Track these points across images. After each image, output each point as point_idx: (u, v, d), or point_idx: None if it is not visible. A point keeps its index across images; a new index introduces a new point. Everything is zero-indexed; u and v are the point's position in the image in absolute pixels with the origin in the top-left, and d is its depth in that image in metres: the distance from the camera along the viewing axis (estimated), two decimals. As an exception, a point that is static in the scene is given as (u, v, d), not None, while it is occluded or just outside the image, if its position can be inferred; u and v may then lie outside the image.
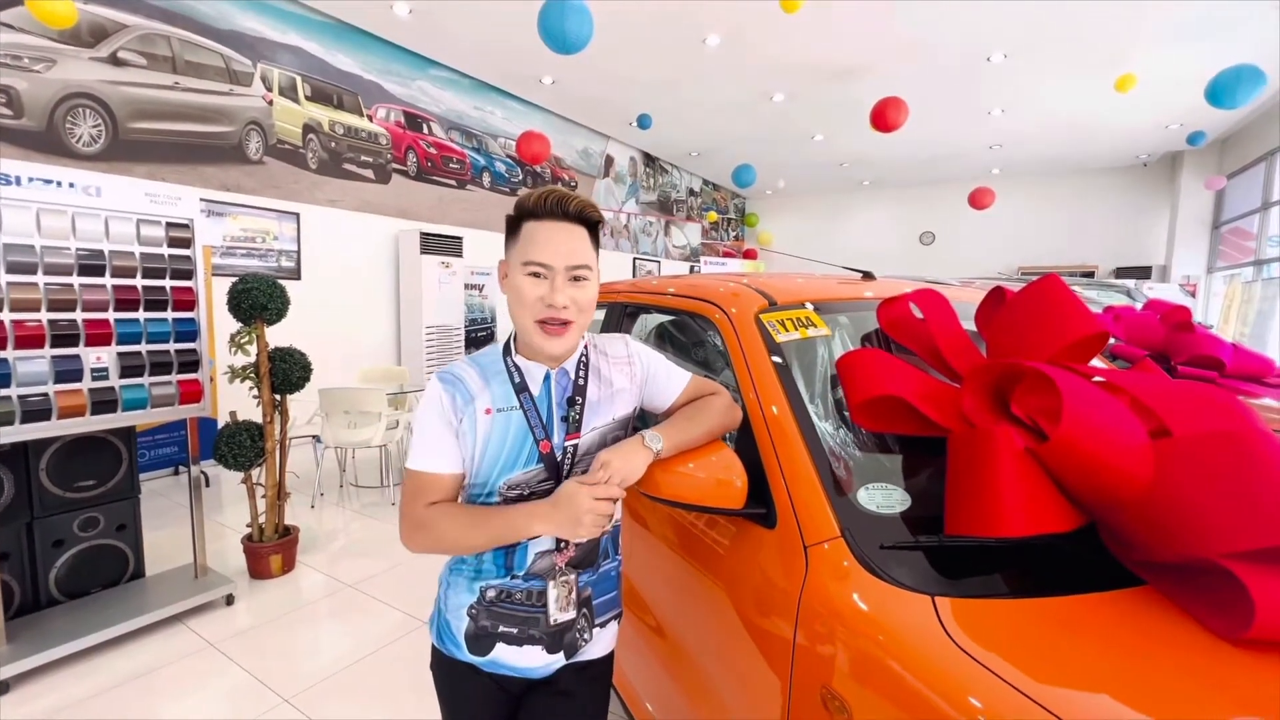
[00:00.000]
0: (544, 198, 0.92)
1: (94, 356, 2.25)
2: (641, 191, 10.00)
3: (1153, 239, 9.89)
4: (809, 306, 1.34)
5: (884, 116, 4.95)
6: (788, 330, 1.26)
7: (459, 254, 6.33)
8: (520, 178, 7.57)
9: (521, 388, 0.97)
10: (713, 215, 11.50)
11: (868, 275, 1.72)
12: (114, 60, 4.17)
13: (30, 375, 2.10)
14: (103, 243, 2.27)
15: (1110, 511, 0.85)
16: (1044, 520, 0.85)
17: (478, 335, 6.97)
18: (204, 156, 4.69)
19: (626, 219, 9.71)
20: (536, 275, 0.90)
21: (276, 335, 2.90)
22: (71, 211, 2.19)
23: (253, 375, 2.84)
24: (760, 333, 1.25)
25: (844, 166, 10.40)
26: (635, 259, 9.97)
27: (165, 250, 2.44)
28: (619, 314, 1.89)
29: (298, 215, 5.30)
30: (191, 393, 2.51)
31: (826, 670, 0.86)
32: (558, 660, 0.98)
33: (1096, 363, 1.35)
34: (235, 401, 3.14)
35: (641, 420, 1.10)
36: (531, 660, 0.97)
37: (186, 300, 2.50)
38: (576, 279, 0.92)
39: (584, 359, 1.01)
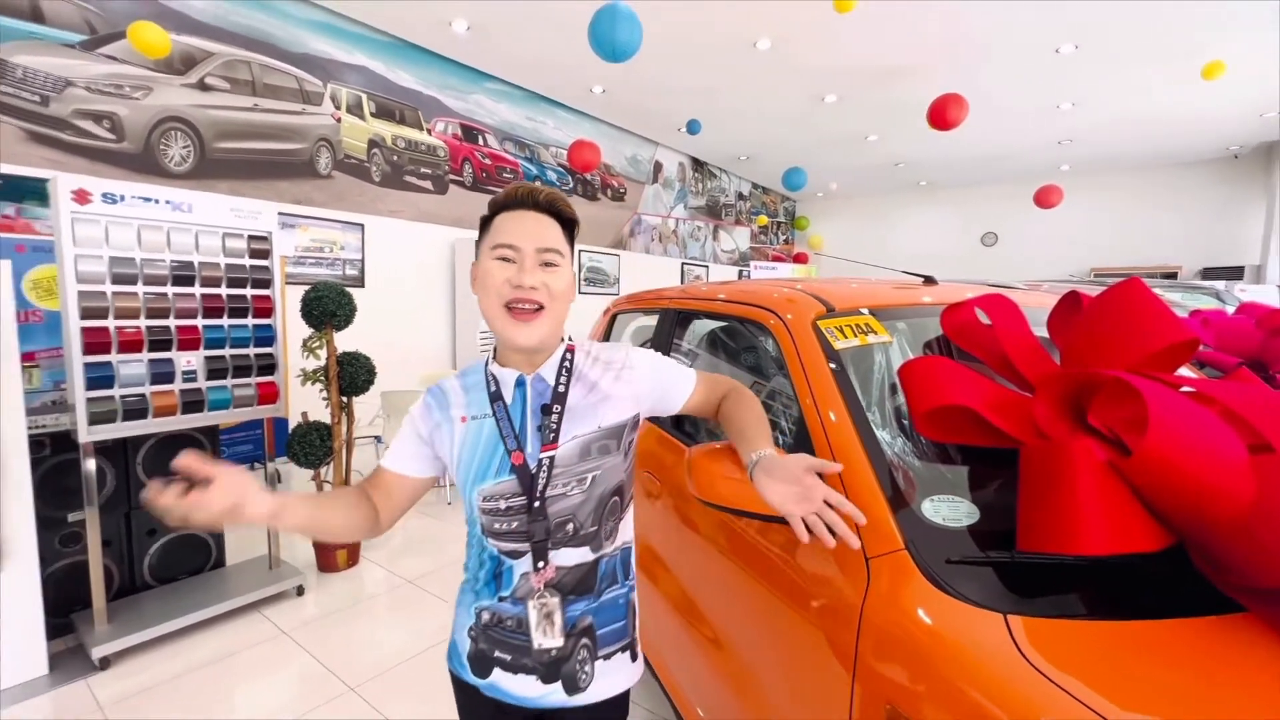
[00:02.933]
0: (514, 190, 0.91)
1: (184, 360, 2.43)
2: (690, 196, 10.00)
3: (1245, 237, 9.14)
4: (869, 313, 1.31)
5: (943, 114, 4.79)
6: (846, 337, 1.24)
7: (512, 261, 6.49)
8: (571, 185, 7.71)
9: (496, 396, 0.92)
10: (762, 219, 11.37)
11: (929, 280, 1.66)
12: (201, 86, 4.50)
13: (130, 377, 2.29)
14: (193, 255, 2.46)
15: (1204, 531, 0.80)
16: (1128, 539, 0.80)
17: (529, 340, 7.12)
18: (279, 172, 4.99)
19: (675, 224, 9.72)
20: (505, 259, 0.87)
21: (343, 340, 3.06)
22: (167, 227, 2.38)
23: (322, 378, 3.00)
24: (818, 339, 1.23)
25: (899, 167, 10.09)
26: (683, 264, 9.97)
27: (247, 261, 2.61)
28: (671, 320, 1.90)
29: (362, 226, 5.56)
30: (269, 394, 2.68)
31: (891, 685, 0.84)
32: (555, 692, 0.91)
33: (1185, 372, 1.27)
34: (305, 403, 3.32)
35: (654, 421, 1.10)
36: (527, 690, 0.91)
37: (265, 307, 2.67)
38: (547, 264, 0.88)
39: (566, 364, 0.95)
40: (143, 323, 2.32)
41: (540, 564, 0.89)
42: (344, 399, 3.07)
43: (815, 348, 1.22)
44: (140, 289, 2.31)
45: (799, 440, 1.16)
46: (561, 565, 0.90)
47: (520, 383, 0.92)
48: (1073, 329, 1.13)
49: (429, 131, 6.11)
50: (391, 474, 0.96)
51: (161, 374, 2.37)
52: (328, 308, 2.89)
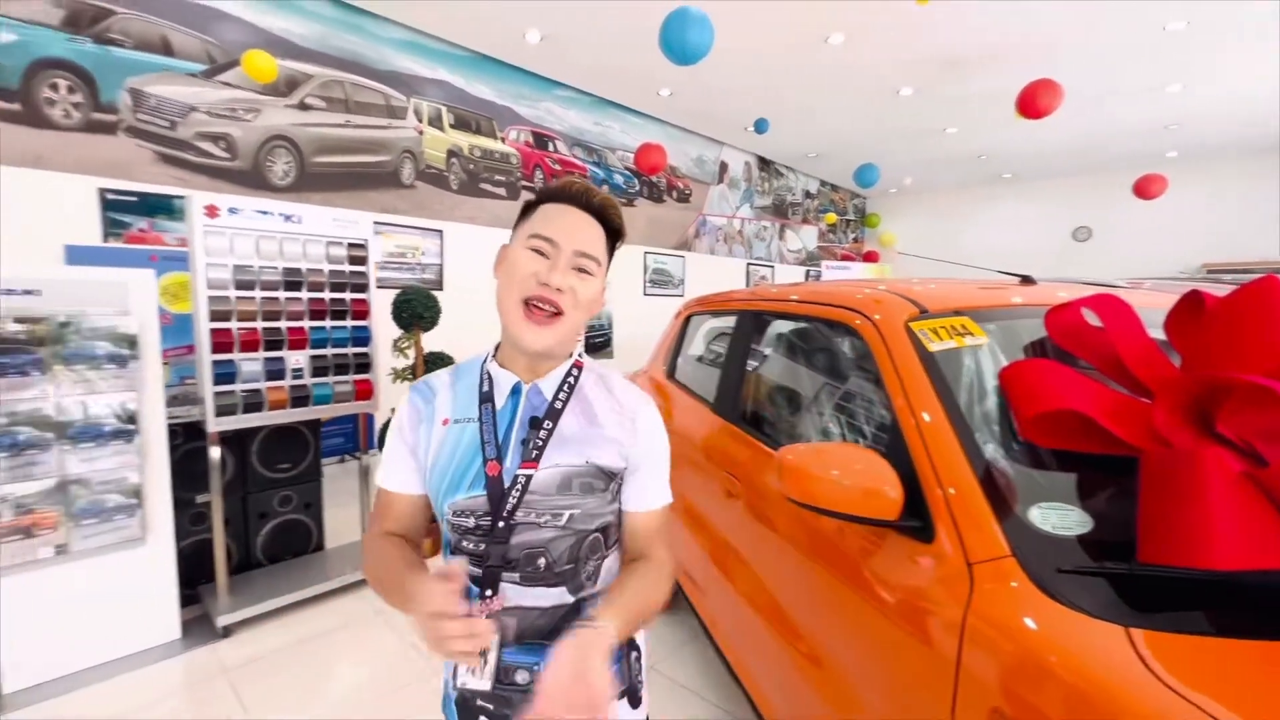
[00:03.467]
0: (569, 184, 0.84)
1: (293, 359, 2.65)
2: (756, 196, 9.88)
3: (1390, 227, 8.08)
4: (964, 314, 1.28)
5: (1033, 102, 4.52)
6: (941, 339, 1.21)
7: (580, 264, 6.64)
8: (637, 188, 7.80)
9: (486, 398, 0.84)
10: (831, 217, 11.07)
11: (1026, 280, 1.59)
12: (302, 106, 4.88)
13: (248, 374, 2.52)
14: (301, 262, 2.68)
15: (1358, 550, 0.74)
16: (1266, 554, 0.75)
17: (595, 340, 7.26)
18: (367, 183, 5.33)
19: (740, 224, 9.63)
20: (538, 252, 0.80)
21: (428, 341, 3.24)
22: (279, 237, 2.61)
23: (409, 376, 3.19)
24: (911, 341, 1.21)
25: (981, 159, 9.58)
26: (749, 264, 9.86)
27: (346, 267, 2.82)
28: (749, 324, 1.91)
29: (441, 232, 5.85)
30: (364, 391, 2.88)
31: (999, 695, 0.82)
32: None
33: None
34: (394, 399, 3.53)
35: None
36: None
37: (361, 310, 2.87)
38: (581, 270, 0.81)
39: (569, 380, 0.87)
40: (259, 324, 2.55)
41: (489, 592, 0.78)
42: (429, 396, 3.24)
43: (908, 350, 1.20)
44: (257, 294, 2.54)
45: (891, 444, 1.15)
46: (535, 605, 0.79)
47: (516, 390, 0.84)
48: (1197, 330, 1.06)
49: (503, 140, 6.35)
50: (405, 498, 0.86)
51: (274, 371, 2.59)
52: (416, 310, 3.07)
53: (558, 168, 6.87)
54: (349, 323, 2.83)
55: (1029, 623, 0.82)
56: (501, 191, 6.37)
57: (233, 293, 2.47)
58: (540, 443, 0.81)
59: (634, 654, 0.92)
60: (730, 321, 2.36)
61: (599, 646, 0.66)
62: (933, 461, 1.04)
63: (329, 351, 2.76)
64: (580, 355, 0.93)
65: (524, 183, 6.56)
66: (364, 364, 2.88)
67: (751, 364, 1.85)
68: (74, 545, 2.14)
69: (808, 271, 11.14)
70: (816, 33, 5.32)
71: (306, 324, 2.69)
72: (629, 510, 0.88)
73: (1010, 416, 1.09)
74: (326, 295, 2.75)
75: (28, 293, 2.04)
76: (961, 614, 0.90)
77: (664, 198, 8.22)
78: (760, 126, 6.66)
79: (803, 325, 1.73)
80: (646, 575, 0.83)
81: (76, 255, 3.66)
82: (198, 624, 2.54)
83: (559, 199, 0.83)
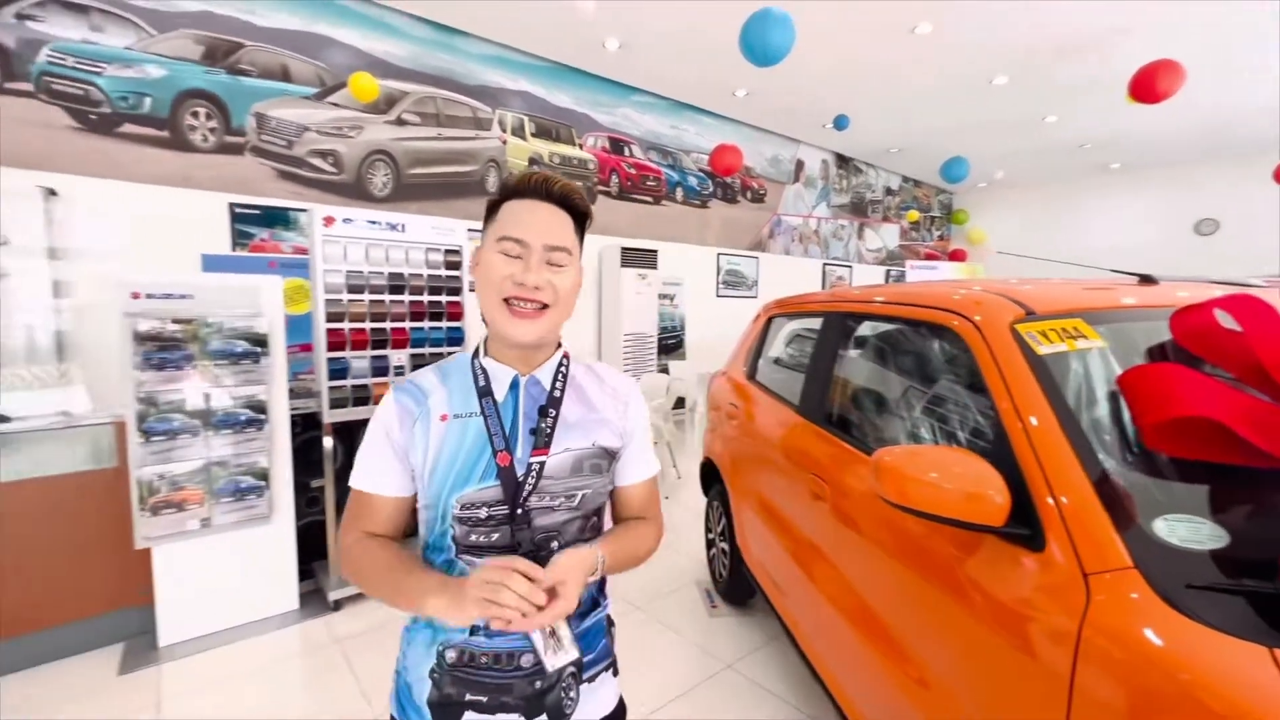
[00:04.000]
0: (528, 177, 0.83)
1: (396, 357, 2.87)
2: (833, 194, 9.61)
3: None
4: (1077, 316, 1.22)
5: (1151, 85, 4.15)
6: (1051, 342, 1.17)
7: (654, 266, 6.71)
8: (711, 190, 7.79)
9: (485, 392, 0.85)
10: (913, 214, 10.58)
11: (1146, 279, 1.49)
12: (399, 121, 5.24)
13: (358, 370, 2.75)
14: (404, 267, 2.89)
15: None
16: None
17: (668, 342, 7.31)
18: (456, 192, 5.64)
19: (817, 224, 9.40)
20: (510, 254, 0.80)
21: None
22: (385, 244, 2.83)
23: (498, 375, 3.36)
24: (1018, 344, 1.17)
25: (1084, 149, 8.86)
26: (825, 264, 9.60)
27: (443, 271, 3.01)
28: (838, 326, 1.89)
29: (522, 237, 6.10)
30: (457, 388, 3.06)
31: (1123, 713, 0.79)
32: None
33: None
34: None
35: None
36: None
37: (456, 312, 3.06)
38: (553, 263, 0.81)
39: (562, 370, 0.90)
40: (367, 325, 2.77)
41: None
42: (515, 394, 3.40)
43: (1015, 353, 1.16)
44: (366, 297, 2.77)
45: (996, 451, 1.12)
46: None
47: (514, 383, 0.86)
48: (1356, 334, 0.97)
49: (580, 146, 6.53)
50: (386, 500, 0.85)
51: (379, 368, 2.81)
52: (504, 312, 3.23)
53: (633, 171, 6.98)
54: (444, 324, 3.02)
55: (1153, 637, 0.78)
56: (579, 196, 6.56)
57: (345, 296, 2.70)
58: (549, 430, 0.84)
59: (612, 629, 0.97)
60: (813, 323, 2.34)
61: (583, 561, 0.77)
62: (1043, 468, 1.00)
63: (426, 350, 2.96)
64: (564, 346, 0.95)
65: (600, 187, 6.72)
66: (457, 362, 3.07)
67: (839, 366, 1.83)
68: (215, 520, 2.42)
69: (888, 271, 10.71)
70: (903, 24, 5.13)
71: (408, 325, 2.89)
72: (624, 483, 0.94)
73: (1130, 424, 1.03)
74: (425, 298, 2.96)
75: (183, 297, 2.33)
76: (1076, 625, 0.87)
77: (738, 198, 8.17)
78: (840, 123, 6.48)
79: (894, 327, 1.70)
80: (639, 529, 0.92)
81: (211, 263, 4.09)
82: (312, 597, 2.80)
83: (521, 194, 0.83)
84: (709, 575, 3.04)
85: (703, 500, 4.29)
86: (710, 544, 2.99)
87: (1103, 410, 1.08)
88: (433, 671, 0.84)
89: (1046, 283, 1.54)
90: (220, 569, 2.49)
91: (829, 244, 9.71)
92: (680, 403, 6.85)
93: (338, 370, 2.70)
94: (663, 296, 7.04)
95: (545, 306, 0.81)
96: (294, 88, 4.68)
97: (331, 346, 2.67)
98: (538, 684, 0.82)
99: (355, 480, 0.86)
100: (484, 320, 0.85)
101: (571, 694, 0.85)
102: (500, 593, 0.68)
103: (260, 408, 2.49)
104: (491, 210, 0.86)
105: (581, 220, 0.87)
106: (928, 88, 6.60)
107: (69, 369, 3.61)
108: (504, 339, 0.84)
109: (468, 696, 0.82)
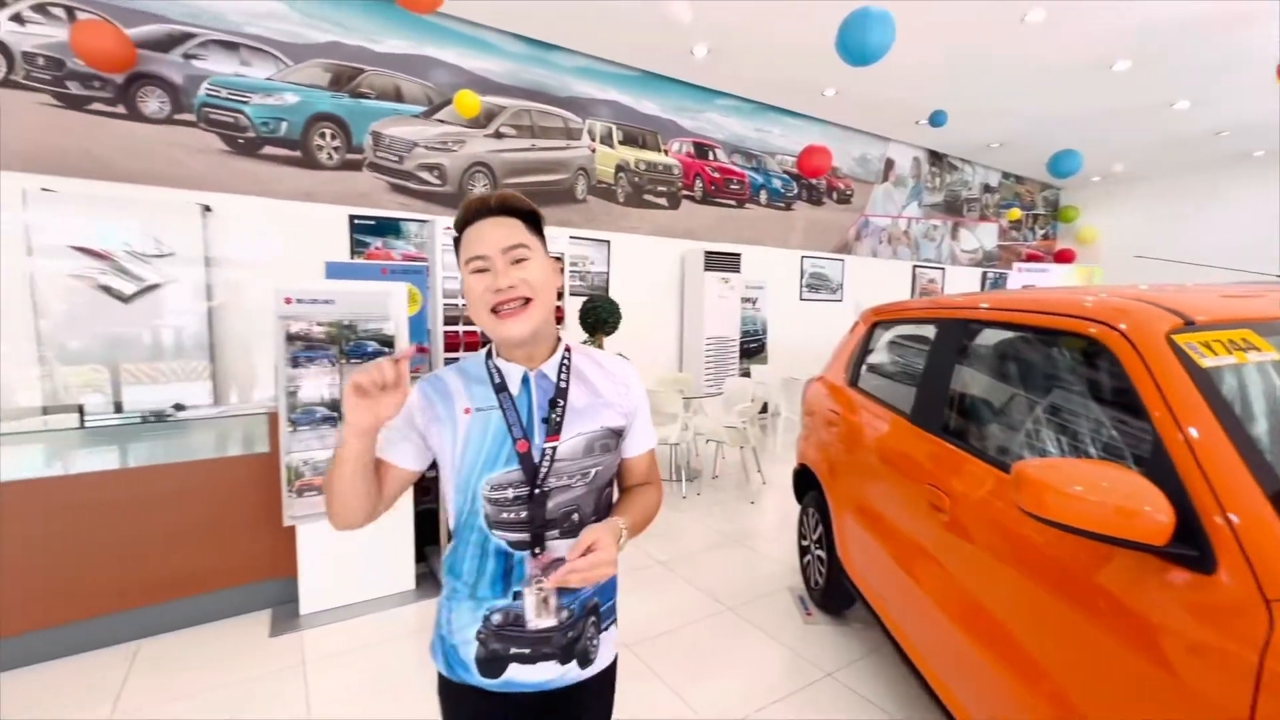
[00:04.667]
0: (468, 204, 0.94)
1: (503, 358, 3.05)
2: (925, 193, 9.18)
3: None
4: (1248, 326, 1.14)
5: (1309, 66, 3.70)
6: (1216, 353, 1.10)
7: (737, 269, 6.69)
8: (795, 192, 7.66)
9: (500, 388, 0.95)
10: (1015, 213, 9.91)
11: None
12: (497, 134, 5.53)
13: (470, 370, 2.95)
14: (511, 274, 3.07)
15: None
16: None
17: (750, 345, 7.26)
18: (547, 200, 5.88)
19: (907, 224, 9.02)
20: (481, 270, 0.90)
21: (609, 344, 3.51)
22: (496, 252, 3.01)
23: (593, 376, 3.49)
24: (1176, 356, 1.11)
25: (1222, 136, 7.98)
26: (915, 267, 9.19)
27: (546, 277, 3.17)
28: (957, 334, 1.83)
29: (608, 242, 6.26)
30: (557, 388, 3.21)
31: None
32: (572, 669, 0.96)
33: None
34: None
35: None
36: (546, 674, 0.95)
37: (558, 316, 3.20)
38: (517, 261, 0.90)
39: (566, 362, 1.00)
40: (479, 328, 2.97)
41: (537, 549, 0.93)
42: (608, 395, 3.52)
43: (1173, 365, 1.10)
44: (478, 301, 2.96)
45: (1155, 468, 1.07)
46: (555, 556, 0.93)
47: (525, 379, 0.96)
48: None
49: (665, 152, 6.62)
50: (386, 463, 0.95)
51: (488, 368, 3.00)
52: (601, 316, 3.36)
53: (717, 175, 7.00)
54: (546, 327, 3.18)
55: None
56: (663, 202, 6.65)
57: (460, 300, 2.90)
58: (558, 419, 0.95)
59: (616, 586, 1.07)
60: (919, 330, 2.28)
61: (611, 530, 0.88)
62: (1212, 486, 0.95)
63: (530, 352, 3.13)
64: (564, 341, 1.04)
65: (684, 192, 6.78)
66: (557, 364, 3.22)
67: (959, 374, 1.78)
68: (348, 503, 2.67)
69: (985, 273, 10.10)
70: (1012, 11, 4.85)
71: (514, 328, 3.07)
72: (629, 455, 1.06)
73: (1315, 443, 0.96)
74: (529, 302, 3.12)
75: (326, 302, 2.59)
76: (1257, 656, 0.82)
77: (823, 200, 7.98)
78: (937, 119, 6.20)
79: (1021, 334, 1.63)
80: (647, 495, 1.05)
81: (333, 270, 4.48)
82: (426, 579, 3.02)
83: (469, 221, 0.94)
84: (802, 582, 3.01)
85: (789, 505, 4.26)
86: (804, 551, 2.97)
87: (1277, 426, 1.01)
88: (479, 633, 0.94)
89: (1199, 288, 1.43)
90: (350, 549, 2.74)
91: (920, 245, 9.28)
92: (764, 408, 6.78)
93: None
94: (745, 300, 7.01)
95: (528, 301, 0.90)
96: (405, 107, 5.05)
97: (448, 347, 2.88)
98: (569, 634, 0.95)
99: (375, 450, 0.94)
100: (482, 332, 0.97)
101: (594, 642, 0.99)
102: (372, 377, 0.81)
103: (387, 403, 2.72)
104: (456, 244, 0.97)
105: (530, 218, 0.96)
106: (1037, 78, 6.19)
107: (203, 365, 4.09)
108: (504, 342, 0.95)
109: (512, 650, 0.94)
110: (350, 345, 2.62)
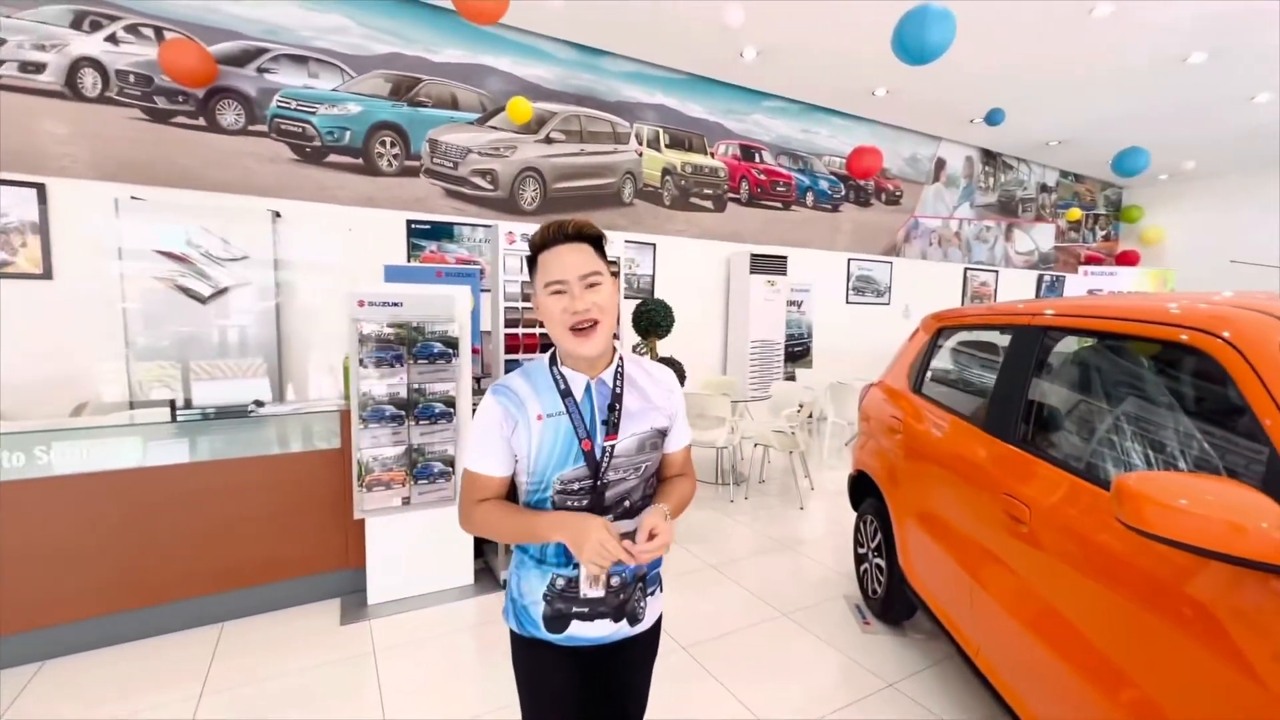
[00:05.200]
0: (546, 229, 1.06)
1: (560, 360, 3.10)
2: (978, 193, 8.91)
3: None
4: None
5: None
6: (1337, 364, 1.05)
7: (783, 272, 6.63)
8: (843, 193, 7.55)
9: (566, 394, 1.09)
10: (1074, 212, 9.51)
11: None
12: (547, 140, 5.63)
13: (528, 371, 3.01)
14: (568, 277, 3.13)
15: None
16: None
17: (794, 349, 7.18)
18: (594, 204, 5.95)
19: (958, 225, 8.77)
20: (559, 292, 1.04)
21: (661, 347, 3.53)
22: (554, 256, 3.08)
23: (645, 379, 3.52)
24: (1294, 366, 1.07)
25: (1306, 129, 7.49)
26: (966, 269, 8.92)
27: (602, 281, 3.22)
28: (1035, 340, 1.79)
29: (654, 245, 6.29)
30: (611, 390, 3.25)
31: None
32: (624, 627, 1.13)
33: None
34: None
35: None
36: (602, 631, 1.11)
37: (612, 319, 3.25)
38: (591, 285, 1.04)
39: (620, 371, 1.14)
40: (537, 330, 3.03)
41: None
42: (660, 398, 3.55)
43: (1291, 376, 1.06)
44: (537, 304, 3.03)
45: (1269, 481, 1.02)
46: (622, 533, 1.04)
47: (588, 386, 1.10)
48: None
49: (712, 155, 6.62)
50: (497, 479, 1.10)
51: (545, 370, 3.06)
52: (654, 319, 3.39)
53: (763, 178, 6.95)
54: (601, 330, 3.22)
55: None
56: (709, 204, 6.65)
57: (521, 304, 2.97)
58: (615, 421, 1.10)
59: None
60: (990, 336, 2.23)
61: (663, 514, 1.05)
62: (1340, 506, 0.91)
63: (585, 354, 3.18)
64: (619, 351, 1.18)
65: (730, 194, 6.76)
66: (611, 366, 3.26)
67: (1038, 382, 1.73)
68: (413, 499, 2.77)
69: (1041, 277, 9.73)
70: (1078, 8, 4.67)
71: (570, 330, 3.13)
72: (669, 451, 1.21)
73: None
74: (585, 305, 3.17)
75: (396, 304, 2.70)
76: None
77: (871, 201, 7.84)
78: (994, 118, 6.02)
79: (1111, 342, 1.58)
80: (683, 485, 1.21)
81: (391, 274, 4.64)
82: (483, 574, 3.10)
83: (547, 245, 1.06)
84: (858, 590, 2.97)
85: (838, 511, 4.20)
86: (860, 559, 2.92)
87: None
88: (545, 594, 1.11)
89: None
90: (414, 543, 2.84)
91: (972, 247, 9.01)
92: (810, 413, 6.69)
93: (513, 369, 2.97)
94: (790, 303, 6.93)
95: (596, 323, 1.05)
96: (460, 114, 5.20)
97: (508, 349, 2.95)
98: (621, 596, 1.12)
99: (471, 464, 1.11)
100: (556, 343, 1.12)
101: (641, 604, 1.17)
102: (602, 561, 0.98)
103: (450, 402, 2.81)
104: (530, 265, 1.10)
105: (598, 243, 1.10)
106: (1103, 74, 5.95)
107: (268, 363, 4.28)
108: (576, 357, 1.09)
109: (573, 610, 1.11)
110: (418, 347, 2.71)
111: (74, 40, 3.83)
